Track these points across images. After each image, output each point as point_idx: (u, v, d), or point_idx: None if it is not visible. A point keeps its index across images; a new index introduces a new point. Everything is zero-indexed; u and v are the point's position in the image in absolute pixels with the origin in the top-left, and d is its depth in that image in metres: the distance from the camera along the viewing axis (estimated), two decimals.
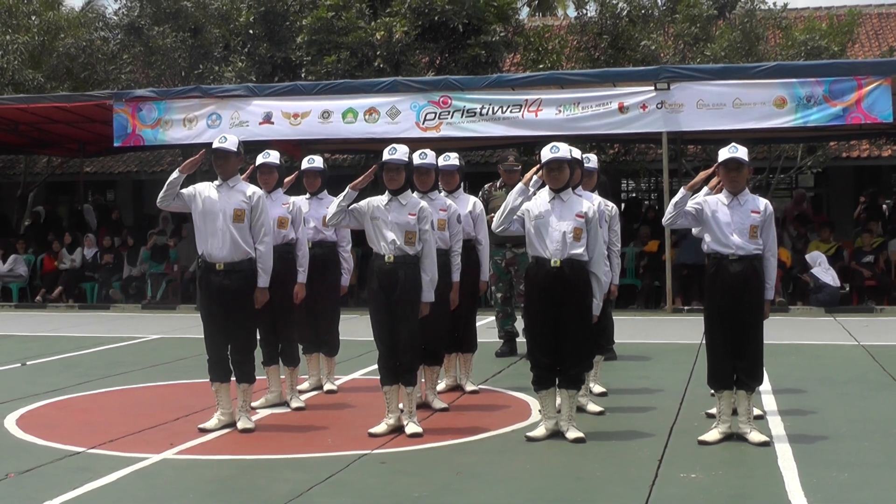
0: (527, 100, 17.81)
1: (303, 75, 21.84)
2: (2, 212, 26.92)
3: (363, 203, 8.24)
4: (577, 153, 8.18)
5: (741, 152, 7.85)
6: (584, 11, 25.15)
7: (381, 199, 8.25)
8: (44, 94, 22.84)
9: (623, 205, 25.30)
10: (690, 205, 7.92)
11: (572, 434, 7.82)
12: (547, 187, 7.97)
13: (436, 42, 22.47)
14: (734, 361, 7.80)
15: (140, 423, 8.72)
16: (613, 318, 10.15)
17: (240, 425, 8.37)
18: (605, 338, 9.83)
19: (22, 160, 28.01)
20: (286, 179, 9.82)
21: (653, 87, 17.37)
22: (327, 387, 10.18)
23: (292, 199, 9.54)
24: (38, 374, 11.75)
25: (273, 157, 9.48)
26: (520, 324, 9.32)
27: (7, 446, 8.00)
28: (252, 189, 8.48)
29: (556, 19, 33.15)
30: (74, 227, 24.15)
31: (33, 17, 26.55)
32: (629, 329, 14.81)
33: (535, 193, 8.06)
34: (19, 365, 12.37)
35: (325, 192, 10.13)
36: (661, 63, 21.34)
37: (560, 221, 7.80)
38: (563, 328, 7.81)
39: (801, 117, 16.98)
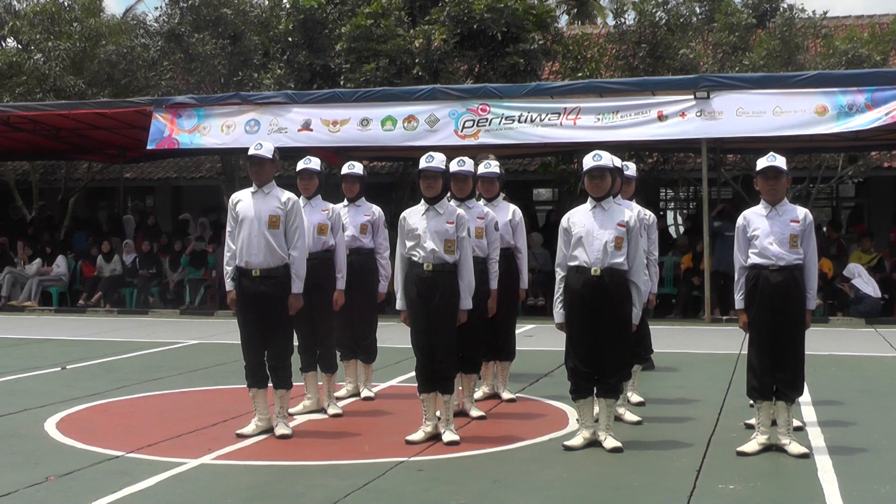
0: (565, 108, 17.81)
1: (341, 83, 21.89)
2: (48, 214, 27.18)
3: (401, 225, 8.26)
4: (617, 161, 8.16)
5: (780, 161, 7.80)
6: (623, 20, 25.10)
7: (417, 209, 8.25)
8: (85, 101, 23.04)
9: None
10: (741, 255, 7.96)
11: (610, 443, 7.79)
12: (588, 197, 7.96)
13: (474, 50, 22.46)
14: (774, 372, 7.74)
15: (178, 427, 8.76)
16: (650, 327, 10.09)
17: (277, 431, 8.38)
18: (644, 347, 9.79)
19: (63, 166, 28.27)
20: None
21: (692, 96, 17.32)
22: (364, 393, 10.19)
23: (331, 205, 9.55)
24: (78, 378, 11.83)
25: (314, 163, 9.51)
26: None
27: (47, 449, 8.05)
28: (287, 195, 8.48)
29: (594, 27, 33.09)
30: (112, 233, 24.31)
31: (75, 24, 26.76)
32: (667, 338, 14.75)
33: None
34: (59, 369, 12.45)
35: (363, 198, 10.14)
36: (700, 72, 21.26)
37: (601, 230, 7.77)
38: (602, 337, 7.78)
39: (842, 124, 16.82)
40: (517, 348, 10.29)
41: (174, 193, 30.27)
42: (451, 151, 9.99)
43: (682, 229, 24.46)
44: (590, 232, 7.78)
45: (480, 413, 9.19)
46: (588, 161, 7.86)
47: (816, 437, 8.25)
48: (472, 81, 21.90)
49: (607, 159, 7.85)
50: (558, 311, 7.95)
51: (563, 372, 8.18)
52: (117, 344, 15.28)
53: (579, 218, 7.89)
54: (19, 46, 27.22)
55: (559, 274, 7.98)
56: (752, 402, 8.03)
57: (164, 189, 30.18)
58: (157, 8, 24.88)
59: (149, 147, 19.97)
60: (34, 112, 21.60)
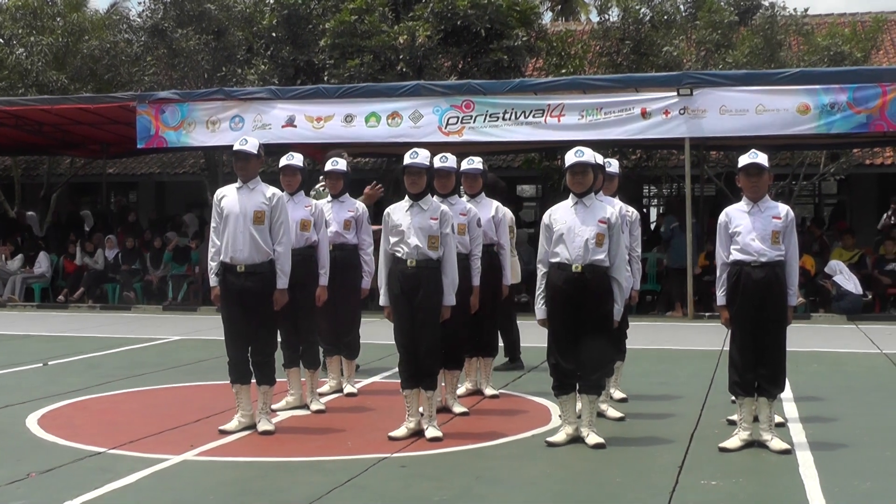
0: (549, 105, 17.84)
1: (325, 78, 21.88)
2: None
3: (385, 221, 8.23)
4: (599, 158, 8.17)
5: (761, 158, 7.82)
6: (607, 17, 25.12)
7: (401, 205, 8.24)
8: (68, 96, 22.99)
9: None
10: (723, 251, 7.93)
11: (592, 439, 7.80)
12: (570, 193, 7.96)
13: (458, 46, 22.47)
14: (756, 368, 7.76)
15: (161, 424, 8.74)
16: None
17: (260, 427, 8.37)
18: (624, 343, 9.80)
19: (45, 161, 28.20)
20: None
21: (675, 93, 17.38)
22: (347, 390, 10.18)
23: (314, 201, 9.54)
24: (60, 374, 11.80)
25: (296, 159, 9.49)
26: None
27: (28, 446, 8.02)
28: (272, 191, 8.47)
29: (578, 24, 33.10)
30: (96, 229, 24.26)
31: (58, 19, 26.71)
32: (650, 335, 14.78)
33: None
34: (41, 365, 12.41)
35: (347, 194, 10.14)
36: (683, 69, 21.30)
37: (583, 227, 7.77)
38: (583, 333, 7.78)
39: (824, 124, 16.95)
40: (500, 344, 10.30)
41: (157, 189, 30.21)
42: (434, 148, 9.99)
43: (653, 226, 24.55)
44: (571, 228, 7.78)
45: (463, 409, 9.20)
46: (570, 157, 7.86)
47: (798, 433, 8.27)
48: (455, 78, 21.90)
49: (589, 156, 7.86)
50: (540, 308, 7.96)
51: (546, 368, 8.19)
52: (99, 340, 15.25)
53: (561, 214, 7.90)
54: (1, 41, 27.11)
55: (541, 270, 7.99)
56: (733, 398, 8.05)
57: (148, 184, 30.13)
58: (140, 3, 24.71)
59: (139, 146, 19.98)
60: (16, 107, 21.55)
